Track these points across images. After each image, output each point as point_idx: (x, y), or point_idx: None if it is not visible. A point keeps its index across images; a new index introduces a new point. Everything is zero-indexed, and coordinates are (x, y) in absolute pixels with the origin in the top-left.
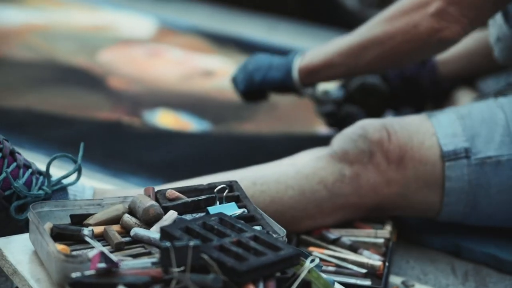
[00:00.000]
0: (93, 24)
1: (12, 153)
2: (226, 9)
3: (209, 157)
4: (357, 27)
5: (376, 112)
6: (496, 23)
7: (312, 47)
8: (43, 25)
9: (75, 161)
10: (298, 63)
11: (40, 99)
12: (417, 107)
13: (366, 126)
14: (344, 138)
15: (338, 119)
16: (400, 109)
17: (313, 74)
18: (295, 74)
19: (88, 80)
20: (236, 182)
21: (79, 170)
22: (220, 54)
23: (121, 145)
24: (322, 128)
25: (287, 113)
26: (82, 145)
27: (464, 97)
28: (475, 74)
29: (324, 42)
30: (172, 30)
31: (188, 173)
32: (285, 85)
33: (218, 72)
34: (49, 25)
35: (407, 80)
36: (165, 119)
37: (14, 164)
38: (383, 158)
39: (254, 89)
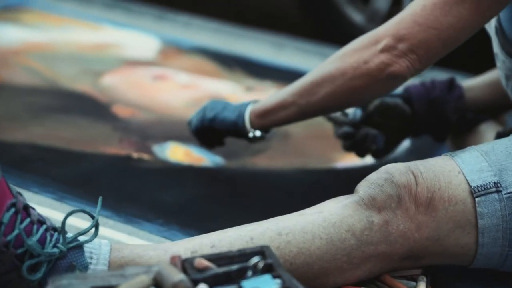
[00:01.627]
0: (94, 43)
1: (26, 208)
2: (230, 27)
3: (224, 196)
4: None
5: (395, 136)
6: (500, 60)
7: (317, 64)
8: (43, 45)
9: (92, 216)
10: (250, 106)
11: (44, 131)
12: (439, 135)
13: (391, 170)
14: (370, 184)
15: (356, 142)
16: (420, 136)
17: (265, 116)
18: (246, 116)
19: (93, 108)
20: (267, 247)
21: (96, 226)
22: (227, 79)
23: (132, 184)
24: (339, 162)
25: (300, 144)
26: (100, 200)
27: (489, 130)
28: (501, 105)
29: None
30: (176, 49)
31: (204, 216)
32: (236, 127)
33: (228, 100)
34: (49, 45)
35: (431, 103)
36: (176, 153)
37: (28, 220)
38: (412, 202)
39: (205, 127)
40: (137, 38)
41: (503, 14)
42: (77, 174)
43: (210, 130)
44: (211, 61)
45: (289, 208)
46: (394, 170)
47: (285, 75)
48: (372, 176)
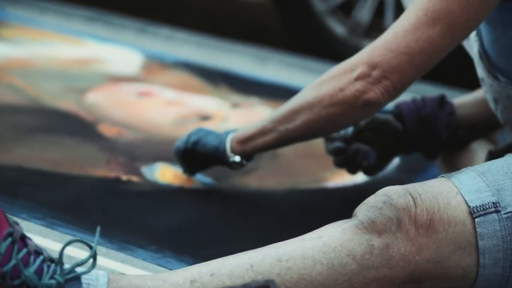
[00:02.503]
0: (76, 58)
1: (23, 238)
2: (212, 40)
3: (217, 219)
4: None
5: (387, 153)
6: (486, 85)
7: (304, 79)
8: (24, 60)
9: (90, 247)
10: (233, 133)
11: (30, 153)
12: (430, 152)
13: (389, 193)
14: (368, 207)
15: (347, 157)
16: (411, 153)
17: (245, 142)
18: (227, 141)
19: (79, 128)
20: (273, 281)
21: (94, 257)
22: (213, 95)
23: (123, 208)
24: (330, 181)
25: (290, 163)
26: (98, 229)
27: (480, 148)
28: (492, 123)
29: (315, 75)
30: (160, 64)
31: (197, 241)
32: (217, 152)
33: (214, 116)
34: (31, 60)
35: (422, 119)
36: (166, 175)
37: (25, 250)
38: (412, 224)
39: (188, 150)
40: (120, 53)
41: (485, 38)
42: (66, 199)
43: (193, 153)
44: (195, 76)
45: (284, 229)
46: (393, 193)
47: (270, 91)
48: (371, 200)
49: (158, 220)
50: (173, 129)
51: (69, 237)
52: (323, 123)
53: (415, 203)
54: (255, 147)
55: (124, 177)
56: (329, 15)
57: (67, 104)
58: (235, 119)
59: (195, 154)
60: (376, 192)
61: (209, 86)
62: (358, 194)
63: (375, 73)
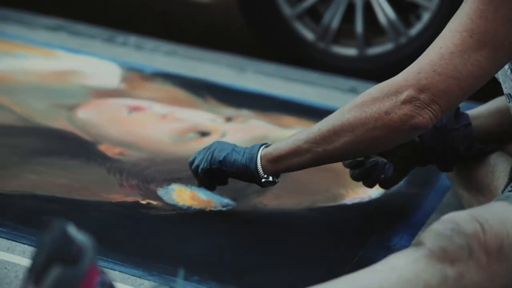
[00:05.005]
0: (53, 71)
1: (111, 286)
2: (183, 48)
3: (247, 242)
4: (316, 61)
5: (403, 165)
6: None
7: (283, 88)
8: (1, 75)
9: None
10: (262, 150)
11: (39, 178)
12: (446, 164)
13: (456, 219)
14: (436, 235)
15: (365, 170)
16: (427, 165)
17: (278, 162)
18: (258, 160)
19: (80, 149)
20: None
21: None
22: (202, 109)
23: (151, 235)
24: (347, 198)
25: (303, 179)
26: (181, 273)
27: (500, 161)
28: (508, 133)
29: (293, 83)
30: (139, 76)
31: (236, 268)
32: (246, 170)
33: (212, 131)
34: (7, 74)
35: (439, 131)
36: (183, 197)
37: None
38: (482, 251)
39: (213, 169)
40: (95, 64)
41: None
42: (90, 227)
43: (219, 172)
44: (179, 89)
45: (317, 250)
46: (459, 219)
47: (258, 102)
48: (437, 227)
49: (189, 247)
50: (174, 146)
51: (106, 270)
52: (365, 145)
53: (483, 230)
54: (287, 166)
55: (143, 201)
56: (297, 20)
57: (59, 123)
58: (233, 133)
59: (222, 173)
60: (441, 219)
61: (196, 98)
62: (375, 210)
63: (423, 97)
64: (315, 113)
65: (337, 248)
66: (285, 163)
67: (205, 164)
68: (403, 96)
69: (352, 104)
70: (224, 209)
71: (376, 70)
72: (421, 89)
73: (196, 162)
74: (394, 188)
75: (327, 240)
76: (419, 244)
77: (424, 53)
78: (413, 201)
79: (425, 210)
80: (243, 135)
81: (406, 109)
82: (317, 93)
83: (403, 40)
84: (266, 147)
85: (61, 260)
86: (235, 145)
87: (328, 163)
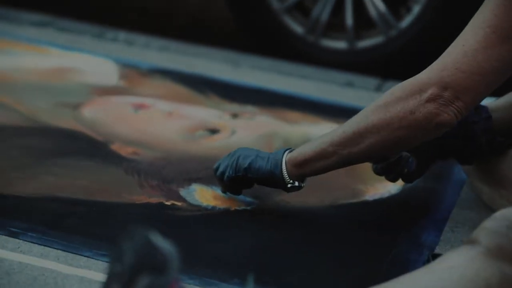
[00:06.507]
0: (51, 69)
1: None
2: (175, 44)
3: (279, 241)
4: (305, 54)
5: (425, 159)
6: None
7: (280, 83)
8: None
9: None
10: (286, 155)
11: (57, 180)
12: (466, 158)
13: (510, 217)
14: (491, 232)
15: (389, 164)
16: (447, 159)
17: (303, 166)
18: (284, 165)
19: (92, 149)
20: None
21: None
22: (206, 105)
23: (183, 236)
24: (367, 194)
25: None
26: (250, 279)
27: None
28: None
29: (290, 78)
30: (136, 72)
31: (275, 268)
32: (272, 176)
33: (221, 129)
34: (5, 73)
35: (460, 124)
36: (206, 197)
37: None
38: None
39: (239, 176)
40: (91, 61)
41: None
42: (121, 230)
43: (245, 179)
44: (180, 85)
45: (349, 249)
46: None
47: (260, 98)
48: (490, 224)
49: (224, 248)
50: (186, 144)
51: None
52: (391, 145)
53: None
54: (313, 170)
55: (167, 203)
56: (286, 14)
57: (66, 122)
58: (243, 130)
59: (247, 180)
60: (492, 216)
61: (198, 95)
62: (397, 206)
63: (447, 94)
64: (318, 107)
65: (369, 246)
66: (311, 167)
67: (231, 172)
68: (427, 94)
69: (375, 104)
70: (248, 207)
71: (367, 63)
72: (445, 87)
73: (221, 169)
74: (411, 183)
75: (357, 238)
76: (473, 242)
77: (447, 50)
78: (432, 196)
79: (446, 205)
80: (252, 132)
81: (431, 107)
82: (314, 87)
83: (393, 32)
84: (290, 151)
85: (149, 269)
86: (258, 151)
87: (354, 164)
